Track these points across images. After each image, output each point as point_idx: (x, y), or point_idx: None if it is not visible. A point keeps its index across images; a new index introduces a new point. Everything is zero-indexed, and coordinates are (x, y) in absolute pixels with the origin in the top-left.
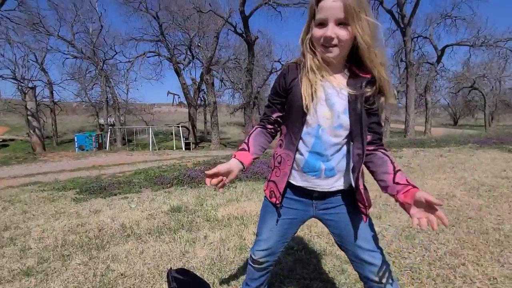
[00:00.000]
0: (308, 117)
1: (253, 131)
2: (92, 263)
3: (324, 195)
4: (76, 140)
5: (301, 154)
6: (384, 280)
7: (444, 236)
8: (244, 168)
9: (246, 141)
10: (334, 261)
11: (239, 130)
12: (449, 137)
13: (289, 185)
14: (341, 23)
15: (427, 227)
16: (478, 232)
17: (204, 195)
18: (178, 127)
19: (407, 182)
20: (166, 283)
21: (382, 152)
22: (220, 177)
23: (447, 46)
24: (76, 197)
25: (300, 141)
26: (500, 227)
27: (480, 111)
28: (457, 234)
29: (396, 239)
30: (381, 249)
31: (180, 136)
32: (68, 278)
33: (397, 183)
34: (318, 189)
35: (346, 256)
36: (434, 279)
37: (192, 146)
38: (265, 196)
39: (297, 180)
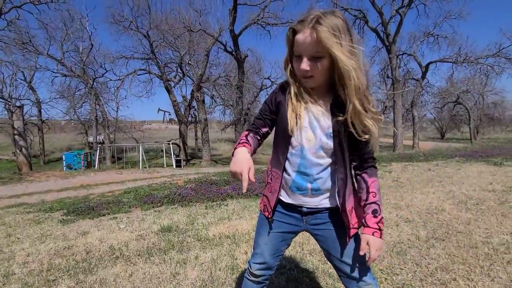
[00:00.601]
0: (292, 139)
1: (247, 134)
2: None
3: (312, 212)
4: (64, 159)
5: (288, 174)
6: None
7: (435, 251)
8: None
9: (245, 139)
10: (326, 280)
11: (230, 146)
12: (437, 151)
13: (279, 201)
14: (315, 57)
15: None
16: (468, 246)
17: (195, 213)
18: (169, 144)
19: (365, 223)
20: None
21: (363, 178)
22: (247, 177)
23: (430, 62)
24: (63, 219)
25: (287, 161)
26: (488, 241)
27: (465, 124)
28: (447, 248)
29: (388, 255)
30: (368, 268)
31: (171, 153)
32: None
33: (364, 219)
34: (306, 206)
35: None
36: None
37: (183, 163)
38: (260, 210)
39: (286, 197)
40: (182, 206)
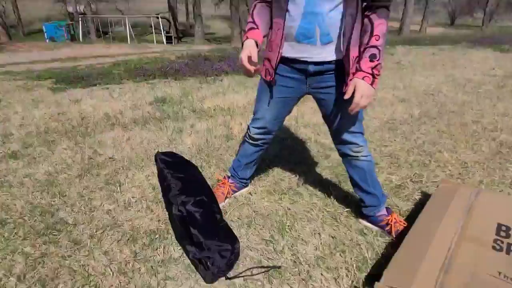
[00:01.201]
0: None
1: (254, 8)
2: (79, 148)
3: (318, 72)
4: (45, 30)
5: (293, 19)
6: (359, 155)
7: (425, 128)
8: (258, 48)
9: (252, 19)
10: (318, 148)
11: (225, 24)
12: (444, 36)
13: (282, 60)
14: None
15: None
16: (458, 124)
17: (189, 87)
18: (158, 17)
19: (359, 66)
20: (155, 165)
21: (370, 19)
22: (255, 64)
23: None
24: (53, 87)
25: (290, 2)
26: (479, 120)
27: (480, 9)
28: (438, 125)
29: (380, 129)
30: (361, 132)
31: (161, 29)
32: (56, 161)
33: (359, 62)
34: (313, 61)
35: (330, 143)
36: (411, 164)
37: (174, 40)
38: (261, 77)
39: (289, 51)
40: (175, 80)
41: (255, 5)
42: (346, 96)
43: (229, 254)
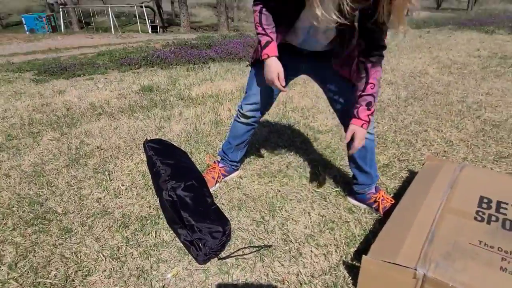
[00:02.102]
0: (299, 21)
1: (261, 16)
2: (65, 139)
3: (314, 54)
4: (24, 22)
5: (292, 40)
6: None
7: (412, 108)
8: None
9: (264, 31)
10: (307, 131)
11: (210, 12)
12: (430, 19)
13: (279, 46)
14: None
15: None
16: (443, 104)
17: (176, 75)
18: (142, 6)
19: (357, 114)
20: (144, 153)
21: (366, 67)
22: (278, 84)
23: None
24: (35, 78)
25: (287, 37)
26: (464, 100)
27: None
28: (424, 106)
29: None
30: None
31: (145, 19)
32: (42, 152)
33: (357, 110)
34: (310, 49)
35: (319, 126)
36: (398, 144)
37: (159, 30)
38: (254, 57)
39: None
40: (161, 69)
41: (260, 10)
42: (346, 141)
43: (220, 235)
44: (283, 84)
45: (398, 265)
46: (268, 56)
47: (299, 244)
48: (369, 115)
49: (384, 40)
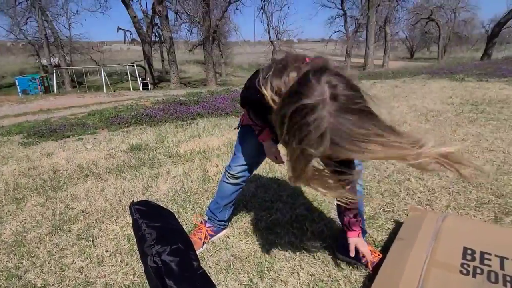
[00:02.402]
0: None
1: (249, 113)
2: (50, 203)
3: None
4: (17, 83)
5: None
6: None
7: None
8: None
9: (255, 123)
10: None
11: (199, 68)
12: (405, 69)
13: None
14: None
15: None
16: None
17: (165, 132)
18: (133, 66)
19: (349, 227)
20: (130, 215)
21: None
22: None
23: None
24: (24, 141)
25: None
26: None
27: (434, 43)
28: None
29: None
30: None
31: (136, 77)
32: (25, 219)
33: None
34: None
35: None
36: (382, 193)
37: (150, 86)
38: (242, 123)
39: None
40: (150, 126)
41: (249, 111)
42: (352, 255)
43: None
44: (282, 160)
45: None
46: (264, 141)
47: None
48: (359, 224)
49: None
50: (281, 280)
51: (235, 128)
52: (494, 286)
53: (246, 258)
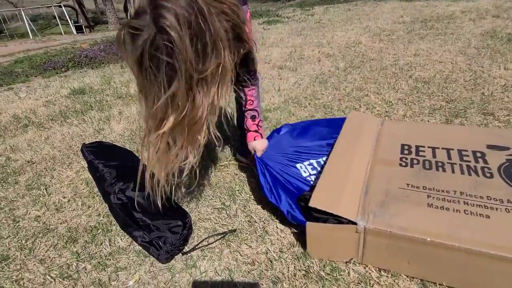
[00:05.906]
0: None
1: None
2: None
3: None
4: None
5: None
6: None
7: (352, 77)
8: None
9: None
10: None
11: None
12: None
13: None
14: None
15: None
16: (379, 69)
17: (110, 73)
18: (60, 6)
19: (247, 128)
20: (84, 159)
21: (243, 90)
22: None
23: None
24: None
25: None
26: (396, 63)
27: None
28: (362, 73)
29: (311, 85)
30: None
31: (67, 20)
32: None
33: (246, 124)
34: None
35: (266, 105)
36: (343, 110)
37: (86, 30)
38: None
39: None
40: (92, 69)
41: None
42: (250, 160)
43: (181, 229)
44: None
45: (339, 222)
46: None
47: (264, 223)
48: (257, 125)
49: (253, 66)
50: (253, 200)
51: None
52: (429, 171)
53: (216, 184)
